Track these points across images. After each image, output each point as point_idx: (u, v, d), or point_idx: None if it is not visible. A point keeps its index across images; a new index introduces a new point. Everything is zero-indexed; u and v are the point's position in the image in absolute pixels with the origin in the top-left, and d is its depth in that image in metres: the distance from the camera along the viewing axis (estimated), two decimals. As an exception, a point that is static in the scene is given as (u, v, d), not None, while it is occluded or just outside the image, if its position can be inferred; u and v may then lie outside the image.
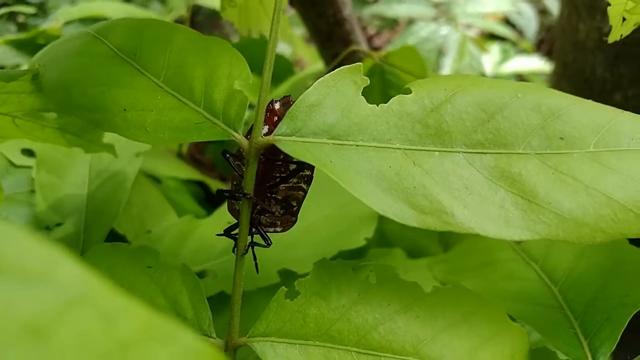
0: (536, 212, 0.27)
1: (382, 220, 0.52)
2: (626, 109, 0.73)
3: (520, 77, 1.21)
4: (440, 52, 1.17)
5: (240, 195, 0.28)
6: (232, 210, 0.31)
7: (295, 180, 0.29)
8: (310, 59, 0.85)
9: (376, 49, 1.18)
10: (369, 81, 0.28)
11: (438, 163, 0.27)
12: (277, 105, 0.30)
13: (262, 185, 0.29)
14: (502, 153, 0.28)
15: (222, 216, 0.49)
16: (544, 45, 1.51)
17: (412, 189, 0.27)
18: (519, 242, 0.42)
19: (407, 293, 0.30)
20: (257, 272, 0.30)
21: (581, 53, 0.71)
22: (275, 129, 0.27)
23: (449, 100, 0.28)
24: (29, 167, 0.49)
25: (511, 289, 0.39)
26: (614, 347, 0.31)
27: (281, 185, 0.29)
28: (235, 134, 0.28)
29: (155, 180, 0.62)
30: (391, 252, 0.52)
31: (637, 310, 0.32)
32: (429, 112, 0.28)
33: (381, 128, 0.28)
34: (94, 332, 0.11)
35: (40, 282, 0.11)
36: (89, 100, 0.29)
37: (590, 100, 0.30)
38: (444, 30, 1.18)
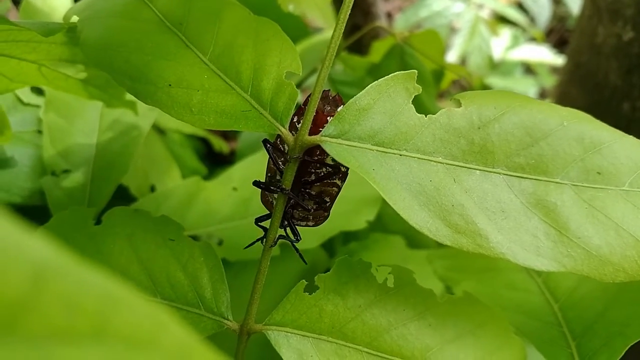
0: (566, 245, 0.27)
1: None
2: (633, 120, 0.73)
3: (526, 66, 1.21)
4: (451, 30, 1.15)
5: (278, 189, 0.28)
6: (265, 202, 0.30)
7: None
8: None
9: (387, 14, 1.16)
10: (420, 89, 0.28)
11: (478, 183, 0.27)
12: None
13: (297, 180, 0.29)
14: (540, 180, 0.28)
15: (228, 181, 0.48)
16: (552, 35, 1.50)
17: (450, 207, 0.27)
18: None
19: (421, 300, 0.30)
20: (306, 264, 0.30)
21: (596, 56, 0.71)
22: (323, 129, 0.27)
23: (498, 119, 0.28)
24: (37, 107, 0.47)
25: (512, 299, 0.40)
26: (607, 375, 0.32)
27: (316, 183, 0.29)
28: (282, 129, 0.27)
29: (159, 131, 0.60)
30: (390, 239, 0.53)
31: (635, 342, 0.33)
32: (476, 129, 0.28)
33: (426, 139, 0.27)
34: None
35: (147, 347, 0.10)
36: (132, 68, 0.28)
37: (632, 137, 0.30)
38: (458, 7, 1.16)
